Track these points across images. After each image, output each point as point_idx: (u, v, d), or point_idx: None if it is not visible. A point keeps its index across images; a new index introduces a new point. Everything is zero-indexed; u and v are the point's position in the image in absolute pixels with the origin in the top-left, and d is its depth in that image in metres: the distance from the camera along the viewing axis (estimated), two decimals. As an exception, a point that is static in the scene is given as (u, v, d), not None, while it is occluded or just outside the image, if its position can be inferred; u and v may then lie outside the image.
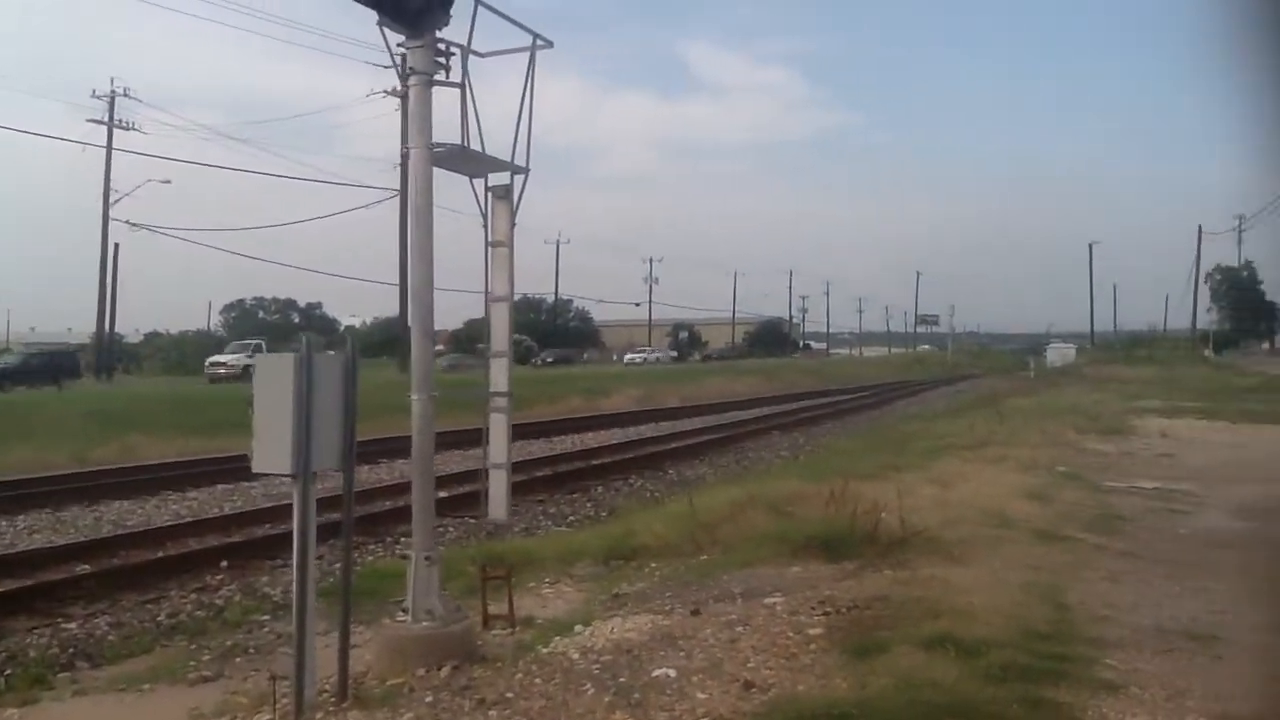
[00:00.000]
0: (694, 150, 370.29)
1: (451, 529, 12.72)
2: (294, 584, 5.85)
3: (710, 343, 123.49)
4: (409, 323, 6.93)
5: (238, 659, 7.43)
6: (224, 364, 55.98)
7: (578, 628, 6.89)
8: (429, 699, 5.59)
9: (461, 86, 6.91)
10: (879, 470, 12.92)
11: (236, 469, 18.20)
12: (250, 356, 58.44)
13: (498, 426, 7.65)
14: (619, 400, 40.68)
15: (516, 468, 15.87)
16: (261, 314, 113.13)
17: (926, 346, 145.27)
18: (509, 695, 5.53)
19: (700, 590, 7.80)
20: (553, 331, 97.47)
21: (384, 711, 5.49)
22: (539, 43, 7.42)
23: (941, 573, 7.54)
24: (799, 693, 5.09)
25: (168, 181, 55.45)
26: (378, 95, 49.52)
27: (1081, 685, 5.13)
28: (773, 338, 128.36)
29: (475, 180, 7.43)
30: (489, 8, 6.94)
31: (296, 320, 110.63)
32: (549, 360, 79.23)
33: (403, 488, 15.25)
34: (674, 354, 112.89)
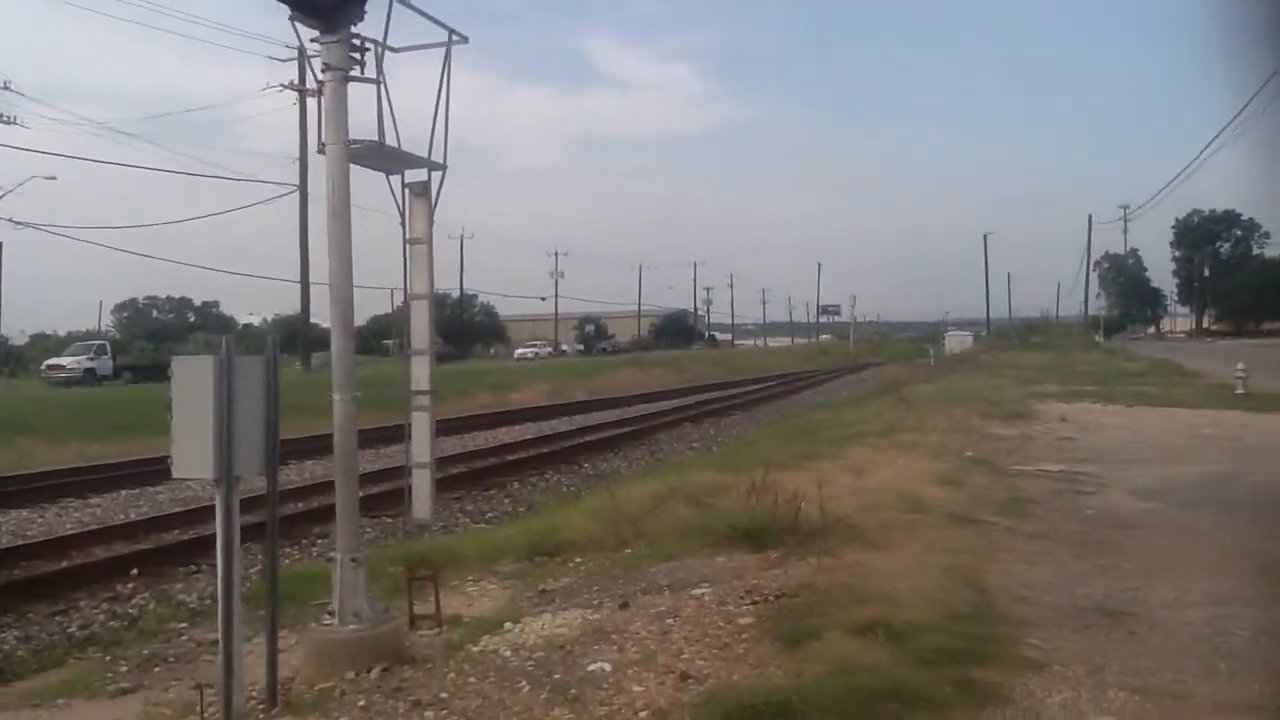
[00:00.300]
0: (599, 144, 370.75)
1: (369, 529, 12.55)
2: (219, 589, 5.72)
3: (616, 335, 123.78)
4: (330, 322, 6.81)
5: (157, 669, 7.25)
6: (62, 366, 54.49)
7: (507, 625, 6.87)
8: (362, 702, 5.52)
9: (377, 82, 6.82)
10: (794, 460, 13.10)
11: (140, 473, 17.77)
12: (92, 359, 56.90)
13: (420, 425, 7.58)
14: (528, 395, 40.58)
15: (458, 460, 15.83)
16: (155, 313, 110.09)
17: (827, 336, 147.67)
18: (443, 695, 5.50)
19: (627, 584, 7.83)
20: (458, 327, 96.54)
21: (316, 716, 5.41)
22: (455, 38, 7.36)
23: (864, 559, 7.69)
24: (736, 682, 5.16)
25: (53, 178, 53.36)
26: (274, 89, 48.48)
27: (1007, 665, 5.29)
28: (678, 330, 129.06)
29: (392, 177, 7.36)
30: (404, 3, 6.88)
31: (192, 319, 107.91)
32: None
33: (316, 489, 15.04)
34: (580, 347, 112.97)
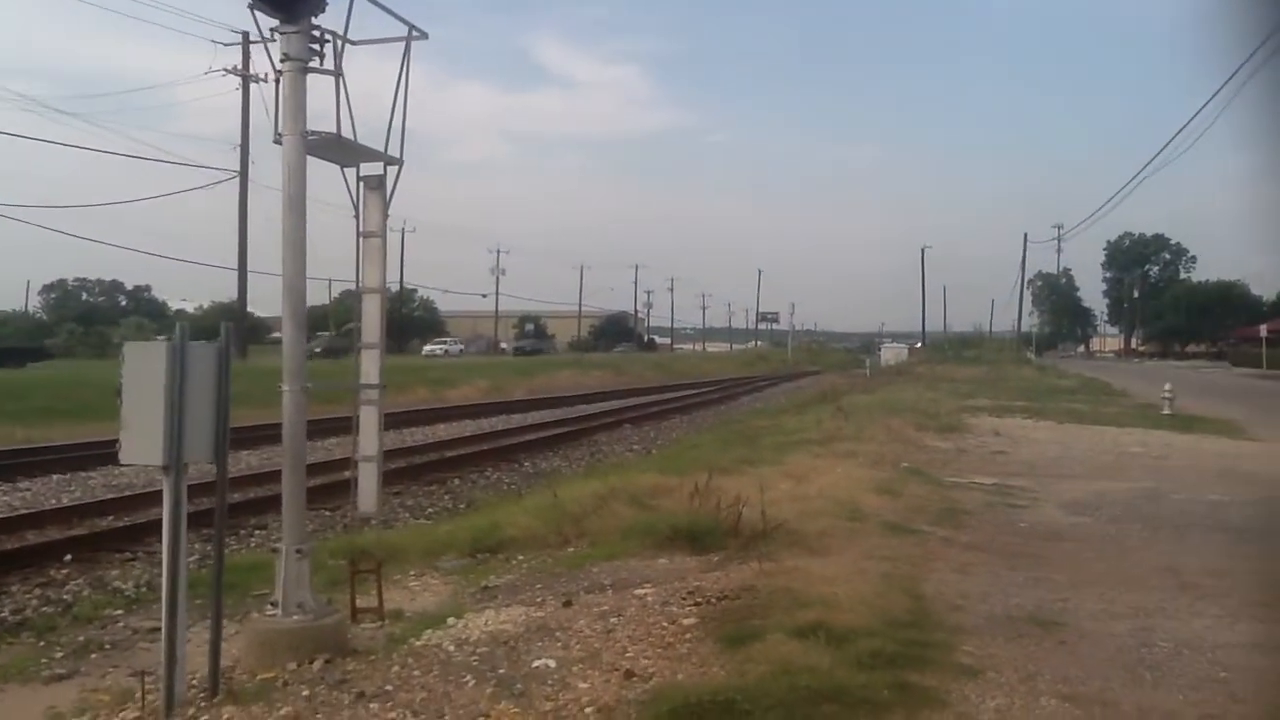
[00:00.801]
0: (543, 142, 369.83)
1: (308, 522, 12.44)
2: (165, 577, 5.69)
3: (556, 335, 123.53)
4: (281, 313, 6.79)
5: (93, 655, 7.16)
6: None
7: (450, 620, 6.89)
8: (305, 693, 5.53)
9: (337, 75, 6.83)
10: (735, 464, 13.24)
11: (71, 458, 17.48)
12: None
13: (368, 418, 7.60)
14: (466, 391, 40.41)
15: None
16: (85, 295, 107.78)
17: (758, 343, 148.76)
18: (388, 688, 5.52)
19: (570, 582, 7.90)
20: (397, 321, 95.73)
21: (259, 706, 5.39)
22: (414, 34, 7.39)
23: (804, 564, 7.82)
24: (680, 681, 5.25)
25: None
26: (217, 73, 47.72)
27: (944, 670, 5.44)
28: (618, 331, 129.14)
29: (347, 170, 7.36)
30: (365, -4, 6.89)
31: (123, 303, 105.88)
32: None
33: (253, 480, 14.91)
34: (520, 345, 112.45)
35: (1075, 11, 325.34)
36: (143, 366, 5.56)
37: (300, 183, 6.65)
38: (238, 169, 47.16)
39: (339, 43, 6.81)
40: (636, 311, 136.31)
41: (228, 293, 75.88)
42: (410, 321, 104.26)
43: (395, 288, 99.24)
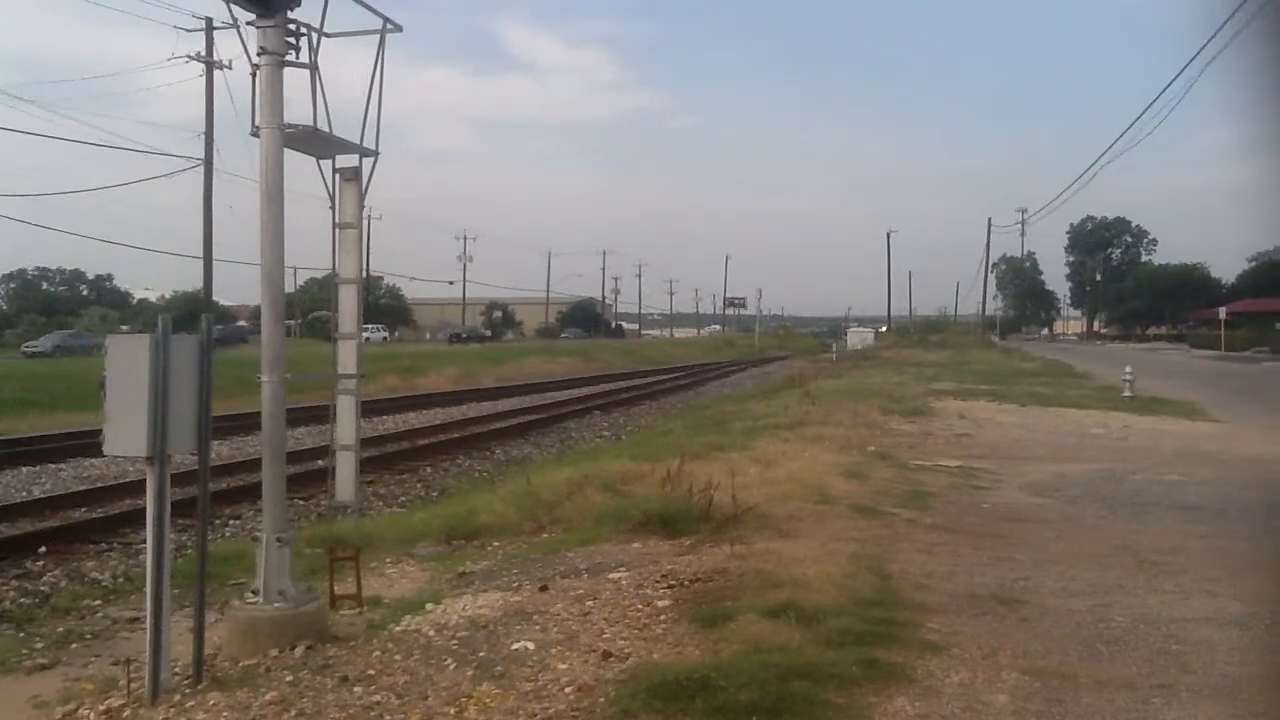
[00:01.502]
0: (509, 128, 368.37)
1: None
2: (149, 566, 5.80)
3: (524, 321, 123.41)
4: (260, 304, 6.88)
5: (74, 645, 7.26)
6: None
7: (429, 606, 7.03)
8: (289, 678, 5.65)
9: (313, 68, 6.90)
10: (705, 450, 13.43)
11: (42, 450, 17.41)
12: None
13: (345, 407, 7.74)
14: (436, 380, 40.40)
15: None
16: (45, 285, 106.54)
17: (715, 327, 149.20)
18: (370, 672, 5.65)
19: (546, 567, 8.05)
20: (363, 309, 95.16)
21: (244, 691, 5.51)
22: (389, 27, 7.47)
23: (774, 546, 8.01)
24: (656, 661, 5.41)
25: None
26: (180, 60, 47.17)
27: (910, 647, 5.64)
28: (585, 318, 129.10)
29: (323, 161, 7.44)
30: (342, -10, 6.96)
31: (85, 292, 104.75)
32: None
33: (228, 469, 14.95)
34: (487, 333, 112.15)
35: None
36: (126, 359, 5.65)
37: (278, 175, 6.73)
38: (202, 157, 46.67)
39: (314, 36, 6.88)
40: (604, 298, 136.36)
41: (191, 282, 75.25)
42: (377, 309, 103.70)
43: (362, 275, 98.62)
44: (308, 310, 73.91)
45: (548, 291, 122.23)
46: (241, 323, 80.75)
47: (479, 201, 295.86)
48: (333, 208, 7.50)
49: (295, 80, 6.77)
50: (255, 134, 6.76)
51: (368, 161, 7.44)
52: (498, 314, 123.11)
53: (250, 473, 14.74)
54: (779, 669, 5.02)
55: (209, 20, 46.63)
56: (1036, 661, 5.52)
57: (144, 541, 10.93)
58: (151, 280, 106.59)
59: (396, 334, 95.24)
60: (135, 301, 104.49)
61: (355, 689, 5.40)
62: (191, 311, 78.82)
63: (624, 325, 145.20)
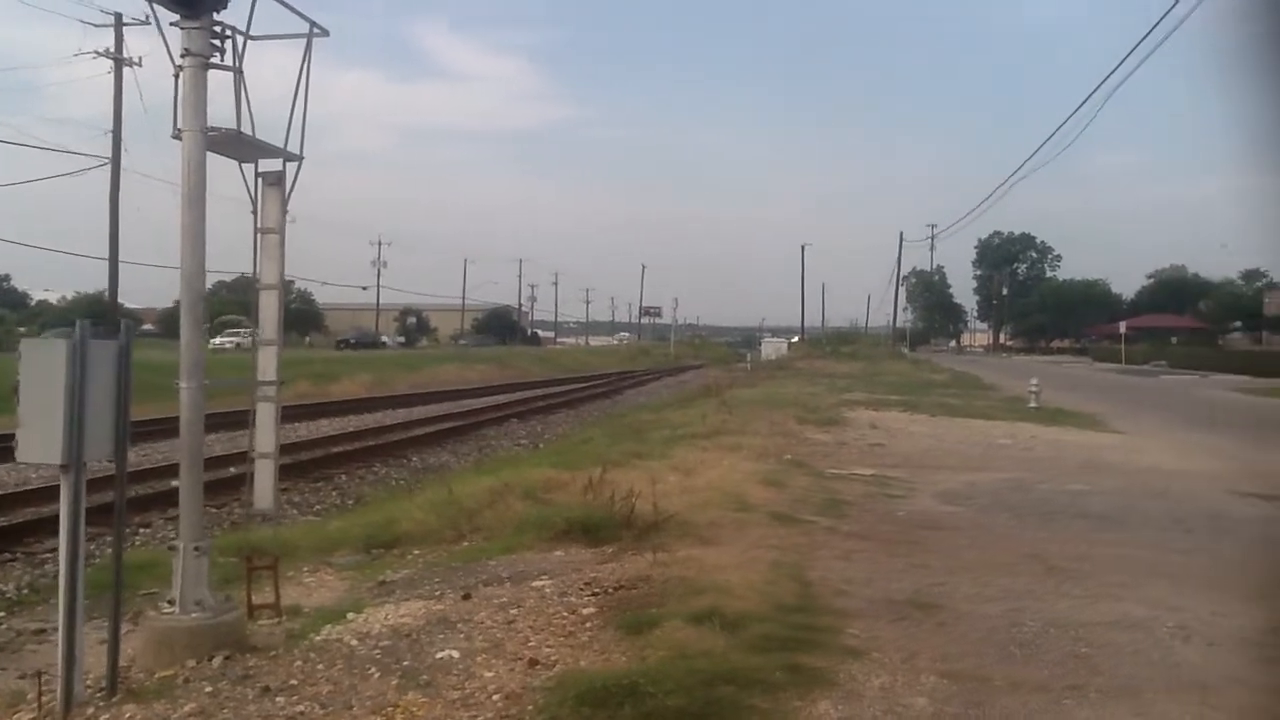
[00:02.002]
0: (428, 134, 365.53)
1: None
2: (62, 576, 5.69)
3: (439, 328, 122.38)
4: (181, 309, 6.76)
5: (-23, 658, 7.03)
6: None
7: (350, 615, 6.96)
8: (209, 689, 5.55)
9: (237, 71, 6.82)
10: (625, 458, 13.48)
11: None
12: None
13: (265, 415, 7.64)
14: (349, 386, 39.84)
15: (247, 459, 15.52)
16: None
17: (625, 335, 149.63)
18: (293, 682, 5.58)
19: (468, 575, 8.02)
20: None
21: (161, 703, 5.41)
22: (316, 31, 7.42)
23: (696, 553, 8.10)
24: (583, 667, 5.45)
25: None
26: (88, 56, 45.93)
27: (831, 652, 5.76)
28: (501, 326, 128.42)
29: (245, 165, 7.35)
30: (268, -7, 6.89)
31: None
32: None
33: (137, 476, 14.52)
34: (401, 339, 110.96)
35: (948, 16, 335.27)
36: (41, 364, 5.53)
37: (201, 178, 6.62)
38: (109, 155, 45.47)
39: (239, 39, 6.80)
40: (520, 305, 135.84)
41: (94, 283, 73.11)
42: (287, 314, 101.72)
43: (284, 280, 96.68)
44: (216, 314, 72.41)
45: (464, 298, 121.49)
46: (147, 326, 78.70)
47: (395, 207, 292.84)
48: (255, 212, 7.41)
49: (214, 81, 6.68)
50: (177, 136, 6.65)
51: (291, 166, 7.36)
52: (412, 320, 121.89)
53: (159, 479, 14.44)
54: (705, 674, 5.10)
55: (118, 16, 45.53)
56: (954, 665, 5.68)
57: (49, 551, 10.74)
58: (51, 281, 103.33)
59: (308, 340, 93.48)
60: (34, 303, 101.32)
61: (278, 699, 5.33)
62: (94, 313, 76.76)
63: (539, 333, 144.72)
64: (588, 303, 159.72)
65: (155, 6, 6.59)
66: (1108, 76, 24.93)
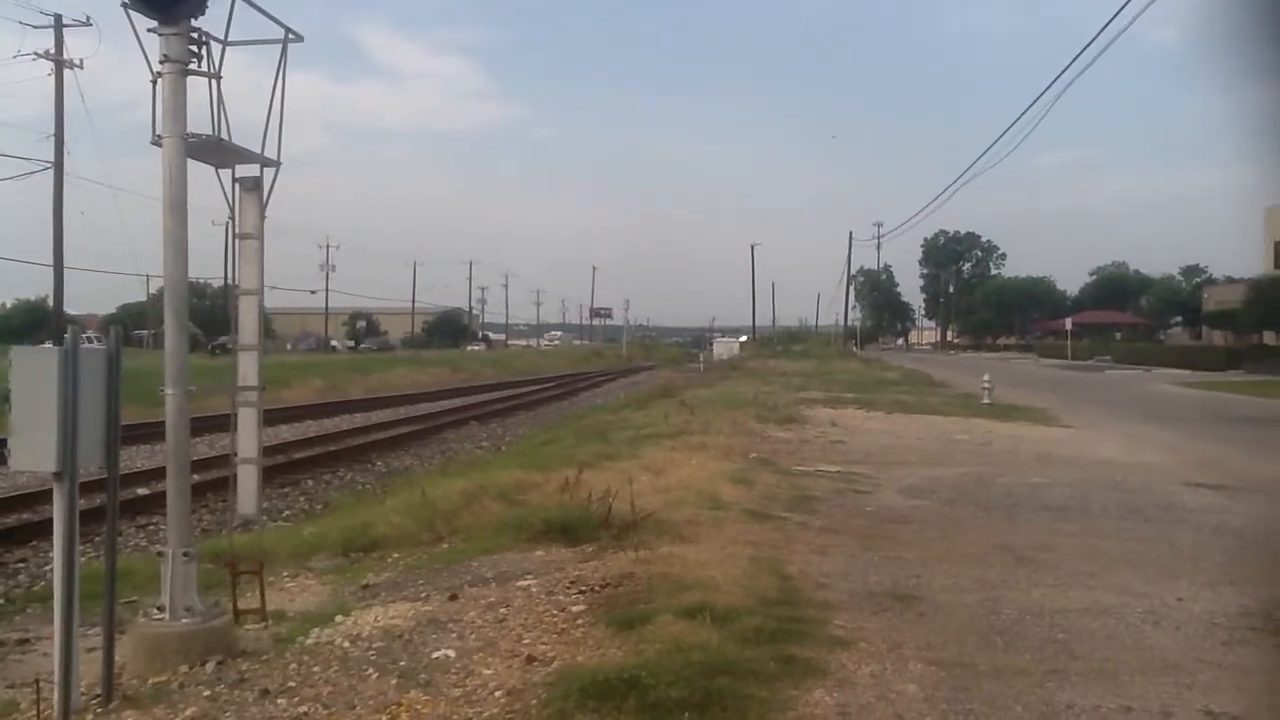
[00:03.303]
0: (372, 135, 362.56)
1: (164, 527, 12.20)
2: (57, 584, 5.70)
3: (389, 331, 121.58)
4: (165, 315, 6.78)
5: (-36, 668, 6.98)
6: None
7: (338, 618, 7.00)
8: (206, 693, 5.59)
9: (215, 77, 6.84)
10: (594, 459, 13.57)
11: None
12: None
13: (247, 420, 7.66)
14: (302, 392, 39.50)
15: (219, 464, 15.42)
16: None
17: (555, 336, 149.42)
18: (291, 685, 5.63)
19: (452, 577, 8.08)
20: (222, 318, 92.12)
21: (160, 709, 5.44)
22: (290, 36, 7.46)
23: (676, 551, 8.22)
24: (581, 662, 5.55)
25: None
26: (27, 56, 45.08)
27: (820, 643, 5.91)
28: (451, 328, 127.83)
29: (222, 171, 7.37)
30: (246, 0, 6.93)
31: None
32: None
33: (102, 485, 14.39)
34: (350, 344, 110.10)
35: (896, 20, 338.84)
36: (33, 372, 5.55)
37: (181, 185, 6.66)
38: (51, 159, 44.72)
39: (214, 45, 6.82)
40: (471, 308, 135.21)
41: (33, 289, 71.77)
42: (229, 319, 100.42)
43: (217, 283, 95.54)
44: (160, 320, 71.23)
45: (413, 301, 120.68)
46: (89, 333, 77.30)
47: (341, 209, 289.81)
48: (232, 218, 7.42)
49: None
50: (157, 143, 6.67)
51: (269, 171, 7.40)
52: (361, 324, 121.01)
53: (134, 486, 14.33)
54: (702, 666, 5.22)
55: (58, 17, 44.83)
56: (938, 653, 5.86)
57: (19, 560, 10.67)
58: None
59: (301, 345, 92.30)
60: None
61: (279, 701, 5.38)
62: (34, 321, 75.35)
63: (490, 335, 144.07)
64: (538, 304, 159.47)
65: (132, 14, 6.60)
66: (1053, 81, 25.41)
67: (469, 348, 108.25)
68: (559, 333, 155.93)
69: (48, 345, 5.84)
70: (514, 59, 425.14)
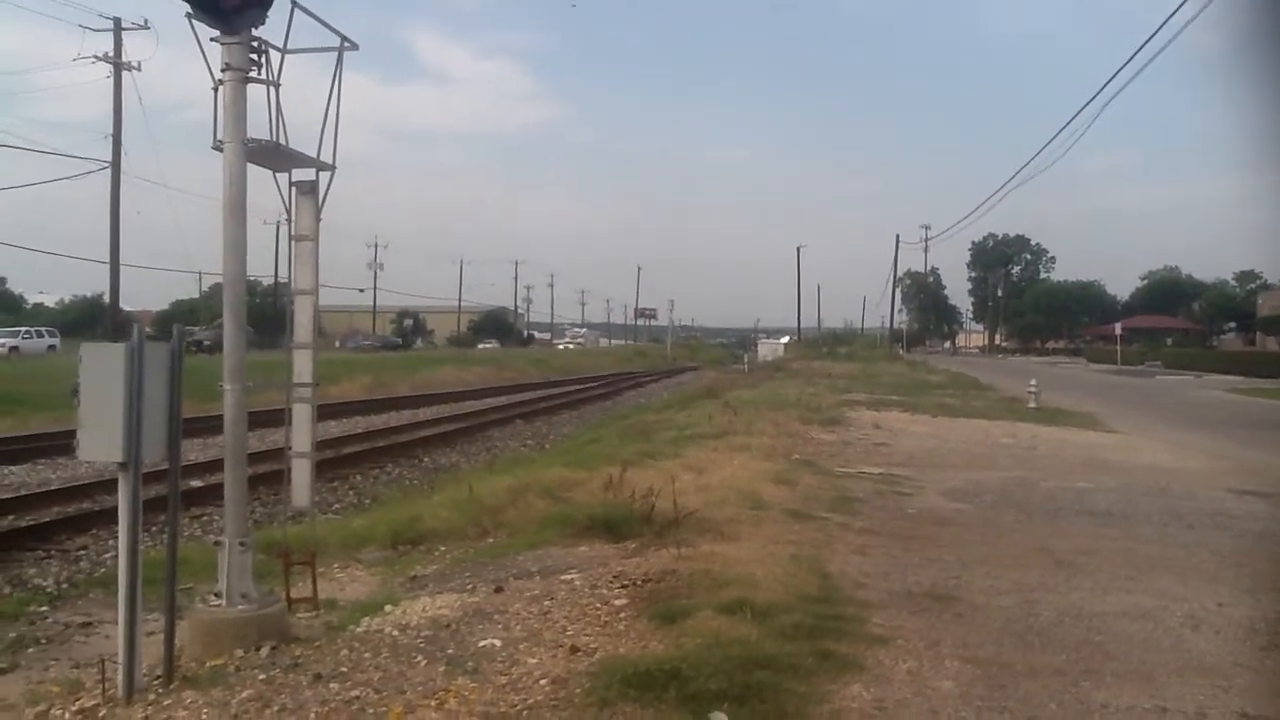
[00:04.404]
0: (420, 137, 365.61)
1: (218, 517, 12.51)
2: (121, 569, 5.93)
3: (436, 330, 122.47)
4: (224, 313, 7.03)
5: (29, 650, 7.27)
6: None
7: (387, 608, 7.21)
8: (262, 676, 5.79)
9: (275, 85, 7.05)
10: (636, 458, 13.71)
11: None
12: None
13: (301, 416, 7.86)
14: (348, 388, 39.92)
15: (268, 458, 15.77)
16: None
17: (581, 333, 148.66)
18: (343, 670, 5.83)
19: (497, 570, 8.28)
20: (272, 315, 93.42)
21: (218, 690, 5.64)
22: (346, 45, 7.66)
23: (718, 549, 8.35)
24: (624, 654, 5.70)
25: None
26: (87, 60, 46.09)
27: (858, 639, 6.03)
28: (497, 327, 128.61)
29: (279, 175, 7.59)
30: (303, 9, 7.12)
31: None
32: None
33: (159, 476, 14.76)
34: (399, 341, 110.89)
35: (945, 23, 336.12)
36: (101, 367, 5.77)
37: (241, 188, 6.86)
38: (108, 159, 45.67)
39: (273, 53, 7.03)
40: (516, 307, 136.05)
41: (90, 286, 73.04)
42: (284, 317, 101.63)
43: (268, 281, 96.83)
44: (214, 316, 72.34)
45: (459, 300, 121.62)
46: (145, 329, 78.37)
47: (390, 210, 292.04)
48: (289, 220, 7.64)
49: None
50: (218, 148, 6.87)
51: (324, 175, 7.60)
52: (409, 322, 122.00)
53: (188, 478, 14.64)
54: (741, 660, 5.35)
55: (117, 20, 45.80)
56: (975, 652, 5.95)
57: (80, 548, 10.99)
58: (47, 283, 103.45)
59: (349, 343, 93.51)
60: (30, 305, 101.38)
61: (331, 685, 5.57)
62: (90, 316, 76.68)
63: (535, 334, 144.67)
64: (583, 304, 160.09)
65: (195, 23, 6.82)
66: (1105, 84, 25.20)
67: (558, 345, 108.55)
68: (583, 329, 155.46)
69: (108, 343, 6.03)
70: (560, 61, 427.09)
